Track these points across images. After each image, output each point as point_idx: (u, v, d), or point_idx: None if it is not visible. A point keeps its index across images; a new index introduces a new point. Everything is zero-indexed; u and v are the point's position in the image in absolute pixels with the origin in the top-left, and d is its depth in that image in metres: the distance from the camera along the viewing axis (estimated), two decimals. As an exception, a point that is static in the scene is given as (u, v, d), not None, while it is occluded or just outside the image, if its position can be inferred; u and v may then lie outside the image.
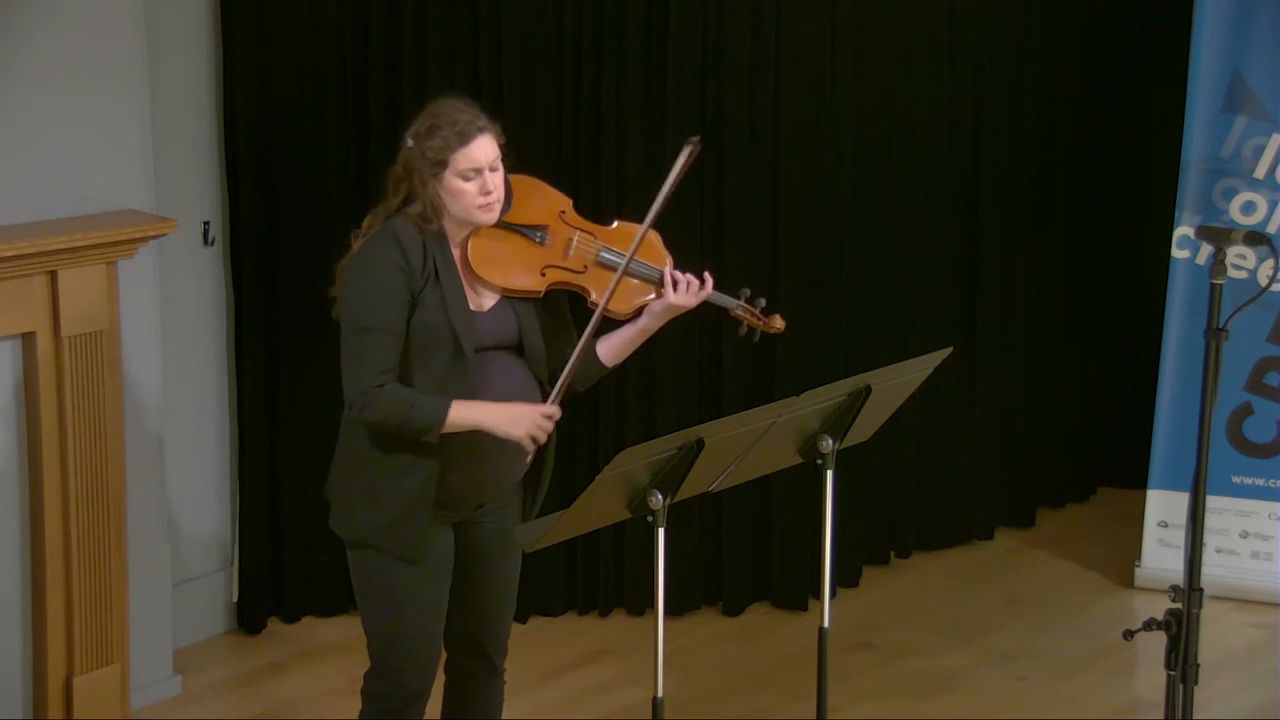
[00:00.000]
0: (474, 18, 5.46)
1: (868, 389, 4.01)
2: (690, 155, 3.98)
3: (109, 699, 4.89)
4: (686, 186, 5.57)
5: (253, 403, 5.51)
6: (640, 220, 4.01)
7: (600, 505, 3.66)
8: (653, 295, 3.99)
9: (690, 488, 3.76)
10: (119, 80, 4.85)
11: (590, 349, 4.01)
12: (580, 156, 5.54)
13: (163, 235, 4.84)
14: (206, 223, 5.40)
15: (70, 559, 4.77)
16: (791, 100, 5.69)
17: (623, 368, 5.61)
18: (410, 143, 3.87)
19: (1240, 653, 5.59)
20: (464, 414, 3.80)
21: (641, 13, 5.53)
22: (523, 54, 5.48)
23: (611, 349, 4.04)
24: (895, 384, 4.12)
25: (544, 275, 3.94)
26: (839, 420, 4.04)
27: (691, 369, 5.74)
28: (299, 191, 5.44)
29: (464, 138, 3.83)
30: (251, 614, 5.62)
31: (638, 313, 4.00)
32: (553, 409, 3.87)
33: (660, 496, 3.67)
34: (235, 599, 5.63)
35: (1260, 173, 5.89)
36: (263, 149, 5.40)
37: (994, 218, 6.32)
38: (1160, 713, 3.92)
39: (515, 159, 5.40)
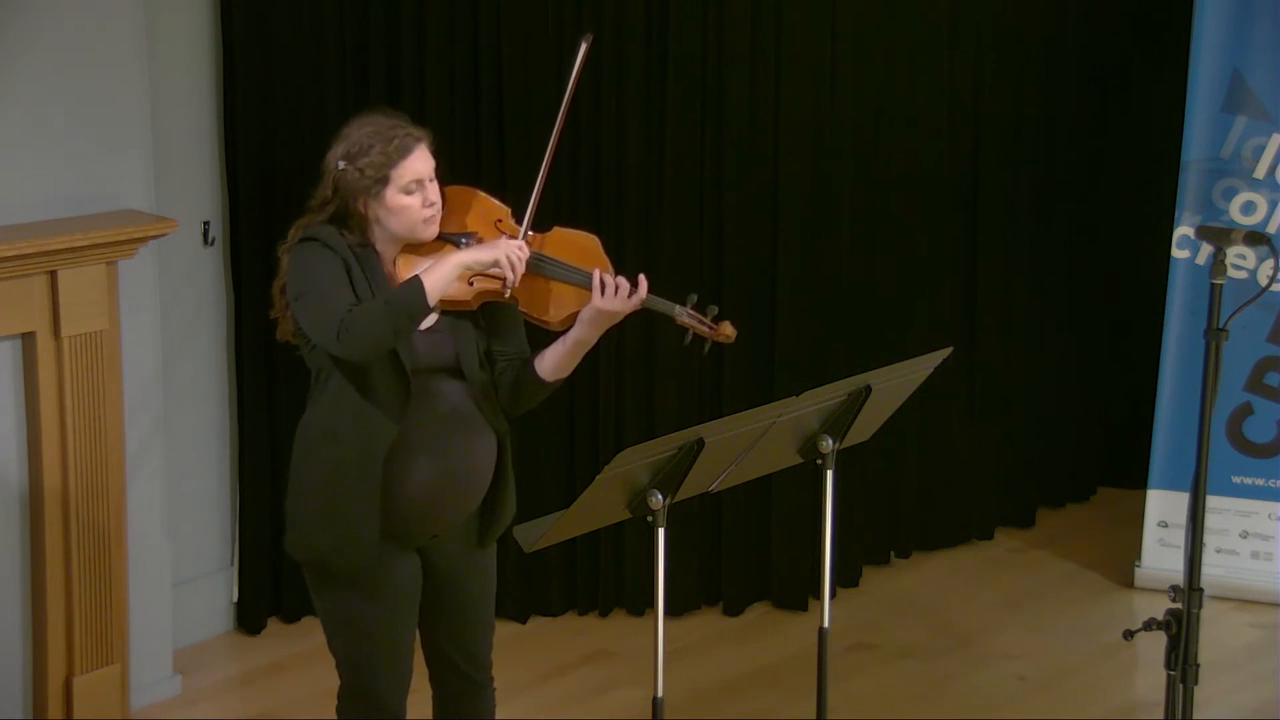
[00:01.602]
0: (474, 17, 5.46)
1: (868, 389, 4.01)
2: (586, 51, 3.80)
3: (109, 699, 4.90)
4: (687, 186, 5.64)
5: (253, 403, 5.51)
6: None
7: (600, 505, 3.66)
8: (584, 302, 3.74)
9: (690, 488, 3.75)
10: (119, 80, 4.85)
11: (528, 365, 3.85)
12: (580, 156, 5.54)
13: (163, 235, 4.84)
14: (206, 223, 5.40)
15: (70, 559, 4.77)
16: (791, 100, 5.69)
17: (621, 368, 5.66)
18: (341, 165, 3.74)
19: (1240, 653, 5.59)
20: (436, 270, 3.65)
21: (641, 13, 5.53)
22: (523, 54, 5.48)
23: (549, 364, 3.83)
24: (895, 384, 4.12)
25: (472, 285, 3.74)
26: (839, 420, 4.04)
27: (691, 369, 5.74)
28: (299, 191, 5.39)
29: (404, 150, 3.72)
30: (251, 614, 5.62)
31: (572, 321, 3.77)
32: (523, 245, 3.71)
33: (660, 496, 3.67)
34: (235, 599, 5.63)
35: (1260, 173, 5.89)
36: (263, 149, 5.40)
37: (994, 217, 6.32)
38: (1160, 713, 3.92)
39: (515, 158, 5.45)
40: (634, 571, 5.76)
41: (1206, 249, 5.89)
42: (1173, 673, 3.83)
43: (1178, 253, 5.98)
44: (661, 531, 3.69)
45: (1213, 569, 5.68)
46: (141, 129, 4.93)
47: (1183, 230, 5.95)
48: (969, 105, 6.21)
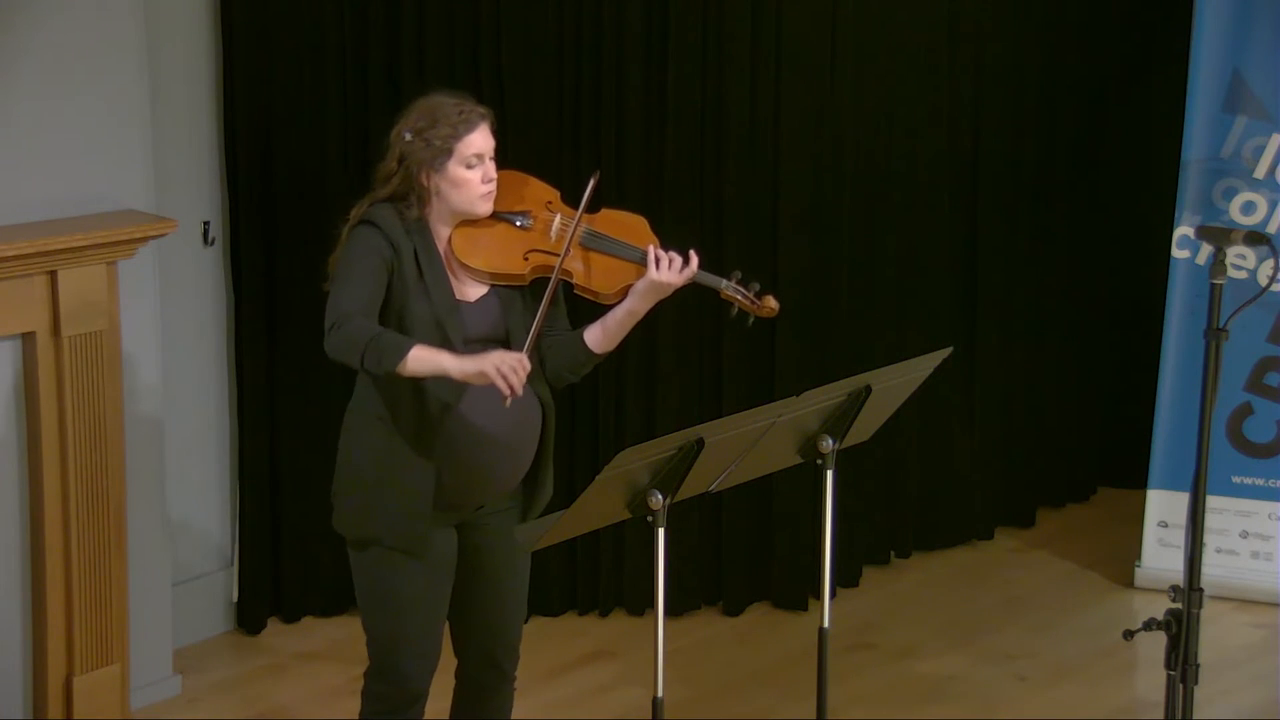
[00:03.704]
0: (474, 17, 5.46)
1: (868, 389, 4.01)
2: (594, 186, 3.96)
3: (109, 699, 4.90)
4: (687, 186, 5.64)
5: (253, 403, 5.51)
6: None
7: (600, 505, 3.66)
8: (637, 277, 3.94)
9: (690, 488, 3.76)
10: (119, 80, 4.85)
11: (577, 337, 3.99)
12: (580, 155, 5.54)
13: (163, 235, 4.84)
14: (206, 223, 5.40)
15: (70, 559, 4.77)
16: (791, 100, 5.69)
17: (622, 368, 5.65)
18: (408, 136, 3.88)
19: (1240, 653, 5.59)
20: (428, 354, 3.72)
21: (641, 12, 5.53)
22: (523, 54, 5.49)
23: (600, 335, 3.97)
24: (895, 384, 4.12)
25: (527, 259, 3.93)
26: (839, 420, 4.04)
27: (691, 368, 5.74)
28: (299, 191, 5.44)
29: (469, 125, 3.88)
30: (251, 614, 5.62)
31: (624, 294, 3.95)
32: (522, 357, 3.75)
33: (660, 496, 3.67)
34: (235, 599, 5.63)
35: (1260, 173, 5.89)
36: (263, 149, 5.40)
37: (994, 218, 6.32)
38: (1160, 713, 3.92)
39: (516, 158, 5.44)
40: (634, 571, 5.76)
41: (1206, 249, 5.89)
42: (1173, 673, 3.83)
43: (1178, 253, 5.98)
44: (661, 531, 3.69)
45: (1213, 569, 5.68)
46: (141, 129, 4.93)
47: (1183, 230, 5.95)
48: (969, 105, 6.21)
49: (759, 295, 3.97)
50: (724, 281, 3.98)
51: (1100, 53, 6.56)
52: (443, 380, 3.82)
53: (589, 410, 5.69)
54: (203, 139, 5.38)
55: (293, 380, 5.52)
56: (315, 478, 5.53)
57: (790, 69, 5.68)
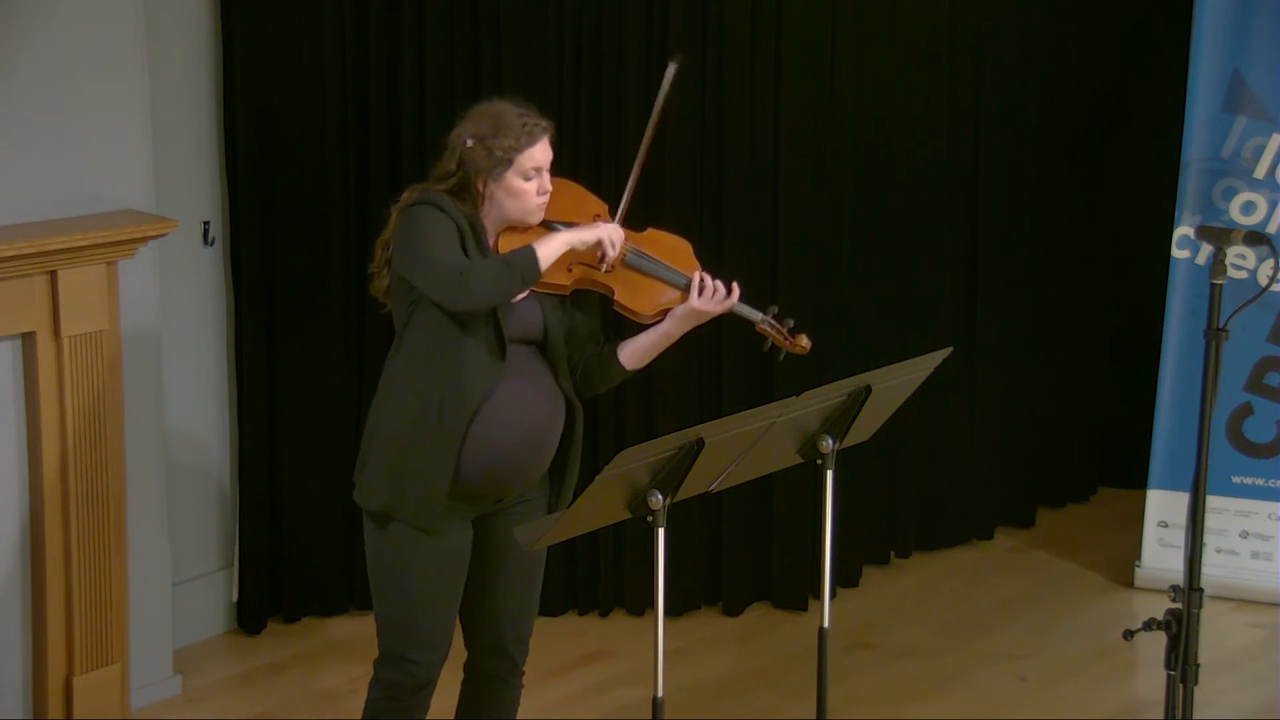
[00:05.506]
0: (474, 18, 5.47)
1: (868, 389, 4.02)
2: (675, 72, 4.03)
3: (109, 699, 4.90)
4: (686, 186, 5.64)
5: (253, 403, 5.51)
6: (674, 231, 4.14)
7: (600, 505, 3.67)
8: (677, 300, 4.02)
9: (690, 488, 3.76)
10: (119, 80, 4.85)
11: (611, 352, 4.07)
12: (580, 154, 5.54)
13: (163, 235, 4.84)
14: (206, 223, 5.41)
15: (70, 559, 4.77)
16: (791, 99, 5.69)
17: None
18: (470, 142, 3.92)
19: (1240, 653, 5.60)
20: (549, 246, 3.85)
21: (641, 12, 5.53)
22: (523, 54, 5.49)
23: (633, 352, 4.08)
24: (895, 384, 4.12)
25: (571, 271, 3.97)
26: (839, 420, 4.05)
27: (691, 369, 5.74)
28: (299, 191, 5.44)
29: (532, 138, 3.94)
30: (251, 614, 5.62)
31: (661, 315, 4.03)
32: (620, 227, 3.98)
33: (660, 496, 3.67)
34: (235, 599, 5.63)
35: (1260, 173, 5.89)
36: (263, 149, 5.40)
37: (994, 217, 6.33)
38: (1160, 713, 3.92)
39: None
40: (634, 571, 5.76)
41: (1206, 249, 5.89)
42: (1173, 673, 3.83)
43: (1178, 253, 5.98)
44: (661, 531, 3.70)
45: (1213, 569, 5.68)
46: (141, 129, 4.93)
47: (1183, 230, 5.95)
48: (969, 105, 6.21)
49: (793, 332, 4.07)
50: (760, 315, 4.07)
51: (1100, 53, 6.56)
52: (477, 370, 3.88)
53: (589, 410, 5.67)
54: (203, 139, 5.38)
55: (293, 380, 5.52)
56: (315, 478, 5.56)
57: (790, 69, 5.68)
